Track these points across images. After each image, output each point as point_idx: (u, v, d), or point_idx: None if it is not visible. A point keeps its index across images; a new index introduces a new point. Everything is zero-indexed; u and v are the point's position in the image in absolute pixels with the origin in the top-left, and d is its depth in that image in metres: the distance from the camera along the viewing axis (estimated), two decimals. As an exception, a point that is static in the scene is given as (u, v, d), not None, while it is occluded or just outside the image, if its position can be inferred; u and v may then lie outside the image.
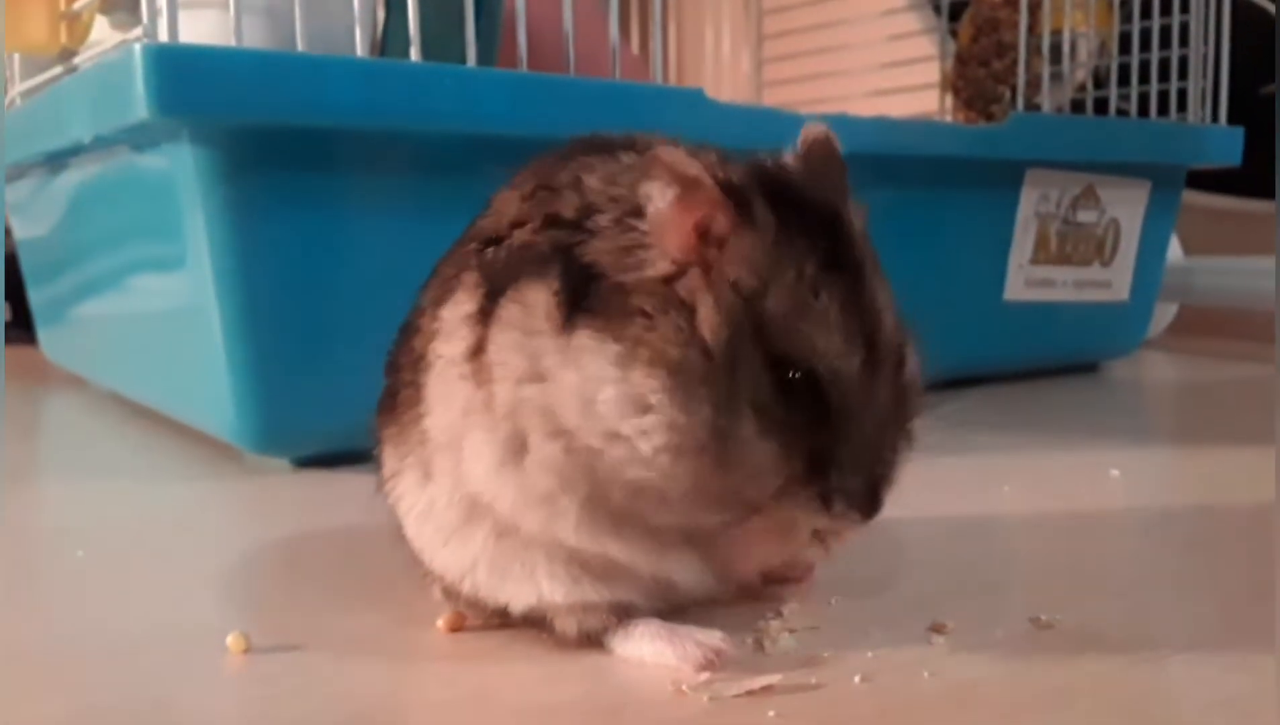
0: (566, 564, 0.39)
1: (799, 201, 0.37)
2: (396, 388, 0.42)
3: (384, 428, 0.43)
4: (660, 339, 0.35)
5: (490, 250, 0.40)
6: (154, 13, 0.63)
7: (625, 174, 0.38)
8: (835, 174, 0.39)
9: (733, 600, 0.44)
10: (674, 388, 0.34)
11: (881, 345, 0.37)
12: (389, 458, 0.43)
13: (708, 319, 0.35)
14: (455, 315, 0.39)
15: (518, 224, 0.39)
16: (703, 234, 0.36)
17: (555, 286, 0.36)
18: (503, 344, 0.37)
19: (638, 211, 0.36)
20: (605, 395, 0.35)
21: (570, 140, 0.41)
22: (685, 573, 0.40)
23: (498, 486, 0.38)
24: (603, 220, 0.37)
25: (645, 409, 0.35)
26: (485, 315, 0.38)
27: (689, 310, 0.35)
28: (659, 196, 0.36)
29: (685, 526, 0.38)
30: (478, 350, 0.38)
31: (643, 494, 0.36)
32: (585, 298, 0.36)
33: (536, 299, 0.37)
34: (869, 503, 0.36)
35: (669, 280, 0.36)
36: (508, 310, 0.37)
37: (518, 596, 0.40)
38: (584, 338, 0.35)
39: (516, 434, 0.37)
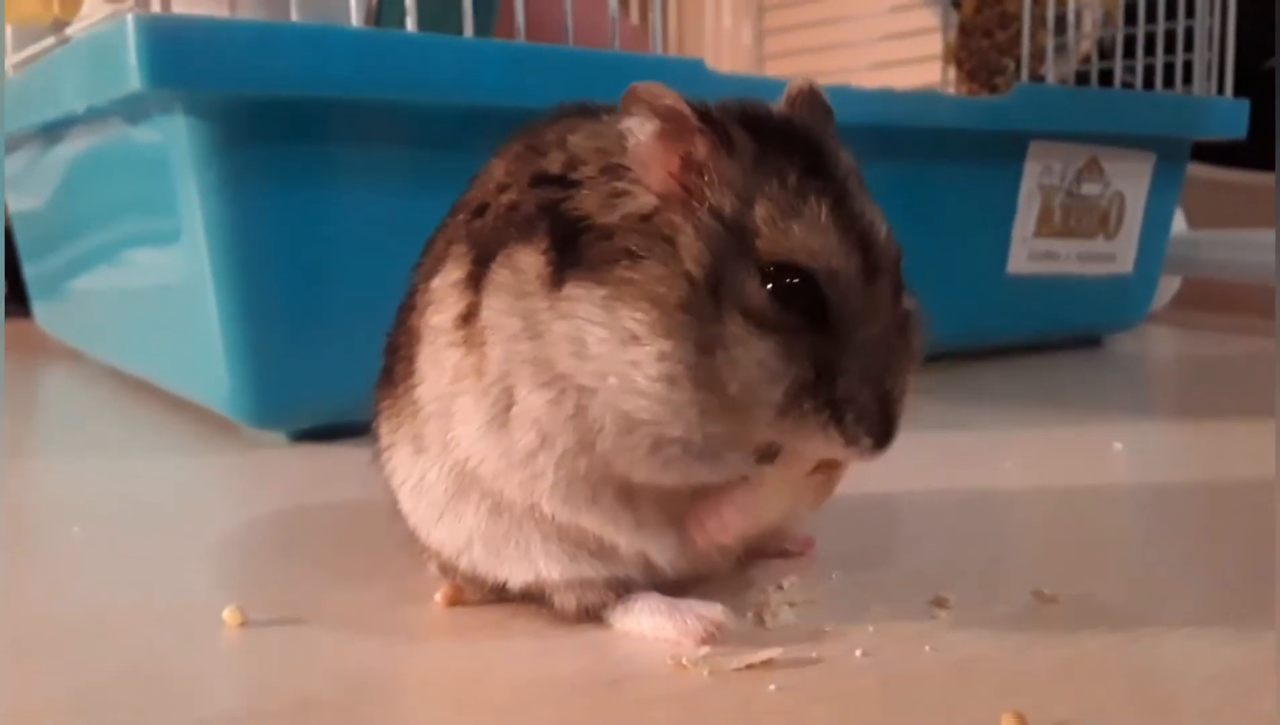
0: (561, 540, 0.39)
1: (778, 129, 0.37)
2: (393, 364, 0.42)
3: (380, 402, 0.43)
4: (644, 275, 0.35)
5: (478, 219, 0.39)
6: (146, -18, 0.62)
7: (610, 128, 0.37)
8: (820, 119, 0.39)
9: (732, 572, 0.44)
10: (659, 318, 0.34)
11: (878, 252, 0.36)
12: (384, 431, 0.43)
13: (688, 247, 0.35)
14: (444, 284, 0.39)
15: (504, 187, 0.39)
16: (684, 164, 0.36)
17: (544, 246, 0.36)
18: (496, 308, 0.37)
19: (621, 160, 0.36)
20: (595, 336, 0.35)
21: (556, 106, 0.41)
22: (663, 550, 0.39)
23: (484, 448, 0.37)
24: (588, 170, 0.37)
25: (634, 342, 0.34)
26: (474, 280, 0.38)
27: (671, 242, 0.35)
28: (639, 130, 0.36)
29: (673, 487, 0.38)
30: (468, 316, 0.38)
31: (636, 433, 0.36)
32: (574, 252, 0.35)
33: (526, 262, 0.36)
34: (883, 424, 0.35)
35: (652, 215, 0.35)
36: (499, 275, 0.37)
37: (515, 574, 0.40)
38: (572, 289, 0.35)
39: (505, 393, 0.37)
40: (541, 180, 0.38)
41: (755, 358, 0.34)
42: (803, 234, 0.35)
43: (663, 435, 0.36)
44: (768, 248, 0.35)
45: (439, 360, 0.38)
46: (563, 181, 0.37)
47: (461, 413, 0.38)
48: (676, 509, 0.39)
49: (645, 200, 0.36)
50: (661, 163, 0.36)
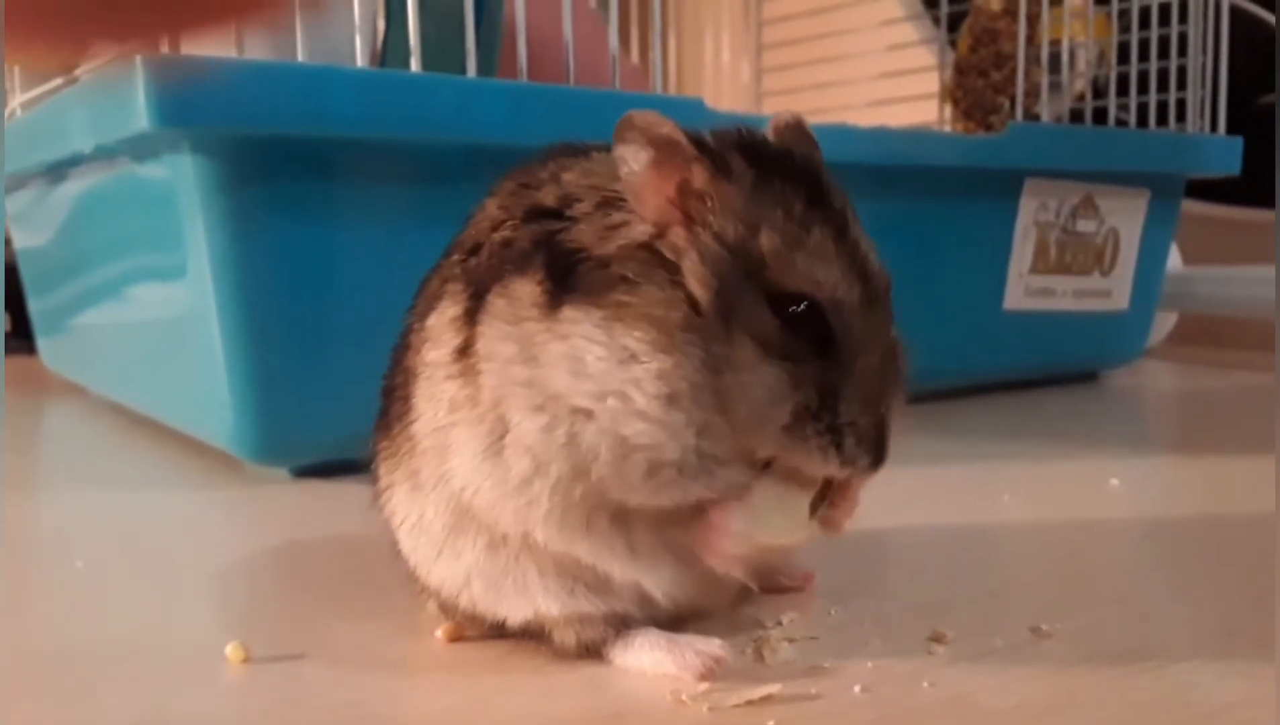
0: (559, 576, 0.39)
1: (775, 157, 0.38)
2: (389, 405, 0.42)
3: (378, 442, 0.43)
4: (642, 299, 0.35)
5: (472, 258, 0.40)
6: (155, 23, 0.63)
7: (601, 165, 0.38)
8: (808, 150, 0.40)
9: (731, 608, 0.44)
10: (659, 338, 0.35)
11: (875, 283, 0.37)
12: (382, 471, 0.43)
13: (694, 272, 0.35)
14: (441, 321, 0.39)
15: (498, 225, 0.39)
16: (681, 191, 0.36)
17: (540, 276, 0.36)
18: (491, 337, 0.37)
19: (616, 196, 0.37)
20: (594, 354, 0.35)
21: (546, 147, 0.42)
22: (659, 580, 0.39)
23: (478, 478, 0.37)
24: (583, 207, 0.37)
25: (634, 360, 0.35)
26: (471, 316, 0.38)
27: (673, 268, 0.36)
28: (633, 159, 0.36)
29: (669, 508, 0.37)
30: (465, 349, 0.38)
31: (631, 459, 0.36)
32: (570, 281, 0.36)
33: (522, 291, 0.37)
34: (877, 445, 0.36)
35: (650, 243, 0.36)
36: (494, 305, 0.37)
37: (514, 610, 0.40)
38: (568, 312, 0.36)
39: (499, 420, 0.37)
40: (536, 215, 0.38)
41: (764, 382, 0.35)
42: (809, 264, 0.36)
43: (658, 459, 0.36)
44: (775, 277, 0.35)
45: (435, 394, 0.39)
46: (558, 216, 0.38)
47: (456, 443, 0.38)
48: (672, 537, 0.39)
49: (641, 229, 0.36)
50: (657, 191, 0.36)
